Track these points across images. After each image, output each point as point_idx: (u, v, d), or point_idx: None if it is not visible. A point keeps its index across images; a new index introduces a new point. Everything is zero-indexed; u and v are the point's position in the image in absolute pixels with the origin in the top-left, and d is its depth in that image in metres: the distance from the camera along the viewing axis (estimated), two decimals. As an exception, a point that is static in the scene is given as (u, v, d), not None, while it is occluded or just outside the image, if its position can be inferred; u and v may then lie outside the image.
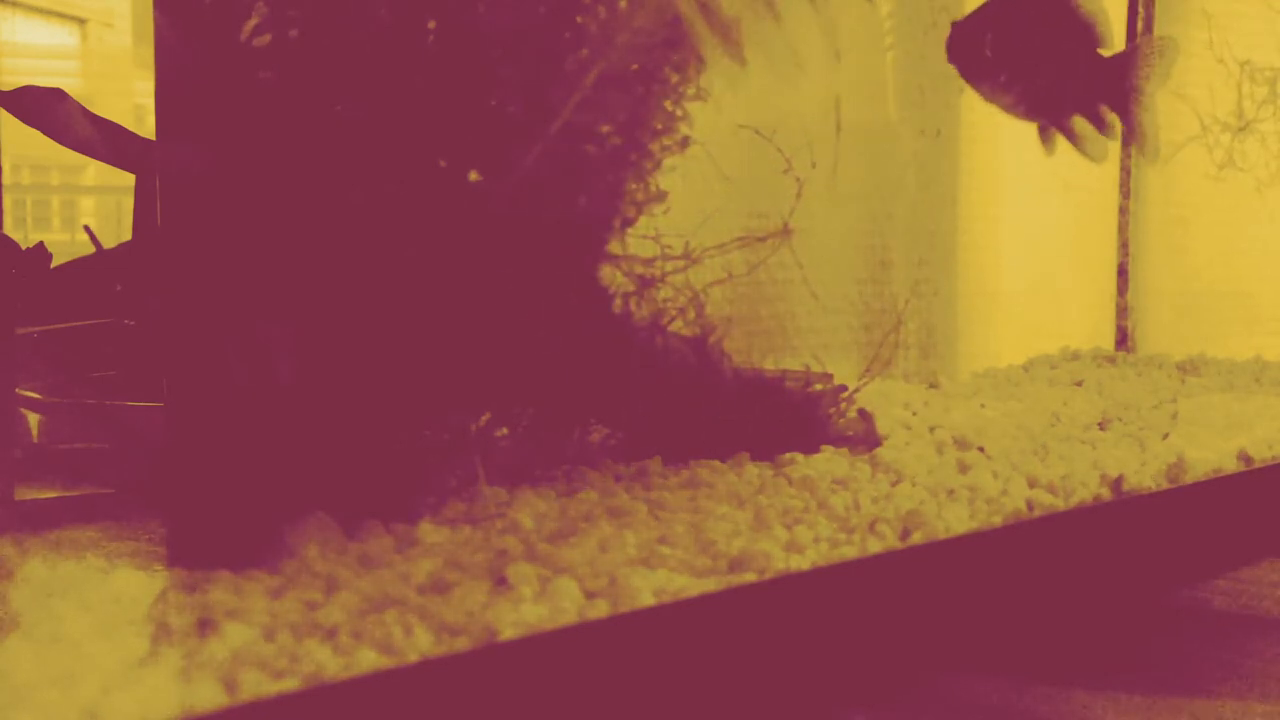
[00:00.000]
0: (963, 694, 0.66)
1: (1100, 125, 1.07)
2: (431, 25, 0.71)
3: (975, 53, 0.99)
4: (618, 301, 0.86)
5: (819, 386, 0.99)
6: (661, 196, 0.85)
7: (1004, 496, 0.80)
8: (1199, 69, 1.73)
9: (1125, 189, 1.76)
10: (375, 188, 0.69)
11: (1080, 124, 1.07)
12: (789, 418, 0.94)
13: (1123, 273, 1.78)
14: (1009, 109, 1.04)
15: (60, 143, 1.03)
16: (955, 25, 1.00)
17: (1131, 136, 1.08)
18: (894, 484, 0.83)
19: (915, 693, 0.66)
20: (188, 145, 0.63)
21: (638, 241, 0.87)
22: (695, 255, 0.89)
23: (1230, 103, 1.73)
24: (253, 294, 0.65)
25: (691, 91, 0.84)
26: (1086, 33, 1.04)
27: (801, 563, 0.65)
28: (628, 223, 0.85)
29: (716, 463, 0.86)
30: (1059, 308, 1.72)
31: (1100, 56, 1.05)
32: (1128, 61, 1.06)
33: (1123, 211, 1.77)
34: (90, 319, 0.99)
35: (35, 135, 1.02)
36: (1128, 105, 1.06)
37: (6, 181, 0.81)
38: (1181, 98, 1.71)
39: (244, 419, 0.64)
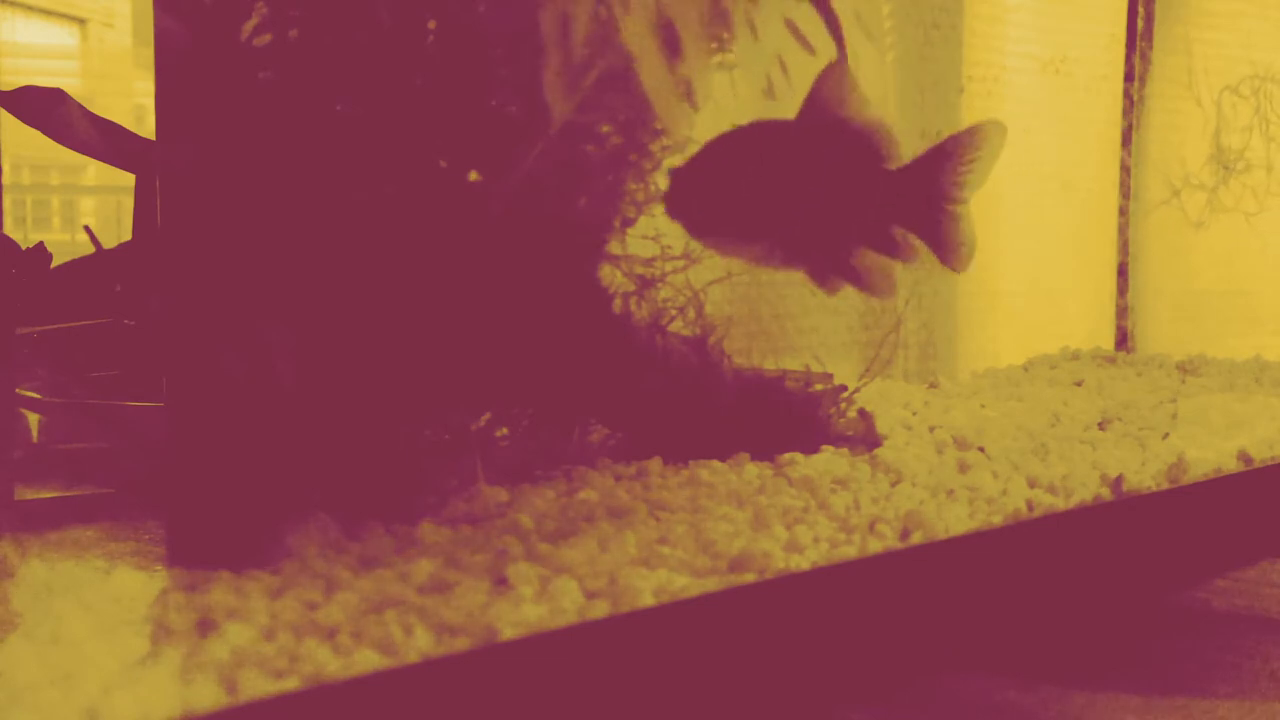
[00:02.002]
0: (963, 694, 0.66)
1: (898, 251, 0.88)
2: (432, 26, 0.71)
3: (702, 205, 0.81)
4: (618, 301, 0.86)
5: (819, 387, 0.99)
6: (661, 196, 0.85)
7: (1004, 496, 0.80)
8: (1184, 110, 1.73)
9: (1125, 189, 1.76)
10: (376, 188, 0.69)
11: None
12: (789, 418, 0.94)
13: (1123, 273, 1.78)
14: (760, 261, 0.86)
15: (60, 143, 1.03)
16: (673, 173, 0.81)
17: (942, 253, 0.88)
18: (894, 484, 0.83)
19: (915, 693, 0.66)
20: (188, 145, 0.63)
21: (638, 241, 0.87)
22: (695, 255, 0.89)
23: (1208, 150, 1.73)
24: (253, 294, 0.65)
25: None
26: (865, 149, 0.85)
27: (801, 563, 0.65)
28: (628, 223, 0.85)
29: (716, 463, 0.86)
30: (1059, 308, 1.72)
31: (889, 172, 0.86)
32: (933, 167, 0.88)
33: (1123, 211, 1.77)
34: (90, 319, 0.99)
35: (35, 135, 1.02)
36: (936, 218, 0.87)
37: (6, 181, 0.81)
38: (1153, 165, 1.71)
39: (244, 419, 0.64)
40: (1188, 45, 1.70)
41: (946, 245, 0.88)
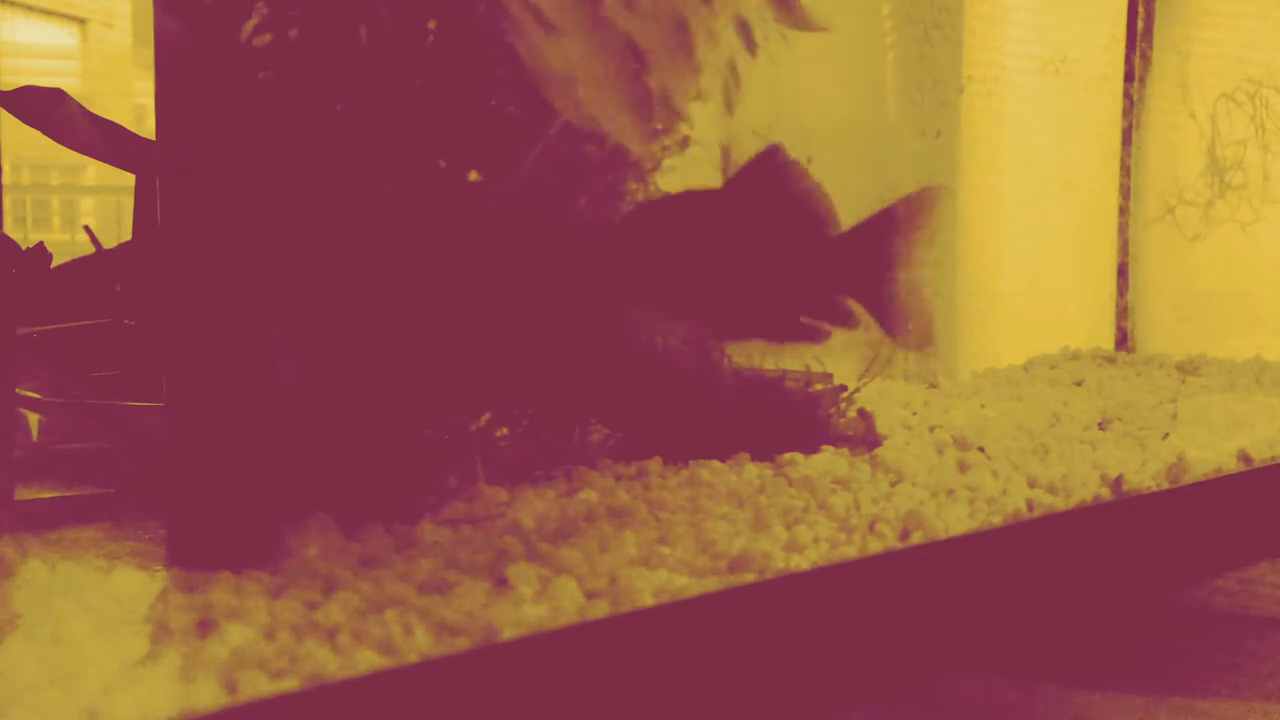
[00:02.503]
0: (962, 694, 0.66)
1: (840, 319, 0.81)
2: (432, 26, 0.71)
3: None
4: (618, 301, 0.86)
5: (819, 387, 0.99)
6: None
7: (1004, 496, 0.80)
8: (1183, 110, 1.73)
9: (1125, 189, 1.76)
10: (376, 188, 0.69)
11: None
12: (789, 418, 0.94)
13: (1123, 273, 1.78)
14: (688, 336, 0.82)
15: (60, 143, 1.03)
16: None
17: (887, 324, 0.82)
18: (894, 484, 0.83)
19: (915, 693, 0.66)
20: (188, 145, 0.63)
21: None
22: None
23: (1204, 161, 1.72)
24: (253, 294, 0.65)
25: (692, 91, 0.84)
26: (805, 217, 0.80)
27: (801, 563, 0.65)
28: (628, 223, 0.85)
29: (716, 463, 0.86)
30: (1059, 308, 1.72)
31: (831, 239, 0.80)
32: (877, 233, 0.82)
33: (1123, 211, 1.77)
34: (90, 319, 0.99)
35: (35, 135, 1.02)
36: (881, 289, 0.81)
37: (6, 181, 0.81)
38: (1152, 167, 1.71)
39: (244, 419, 0.64)
40: (1183, 59, 1.70)
41: (891, 316, 0.82)
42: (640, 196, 0.84)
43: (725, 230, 0.80)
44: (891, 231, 0.83)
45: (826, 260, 0.81)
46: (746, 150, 1.01)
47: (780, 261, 0.80)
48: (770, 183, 0.80)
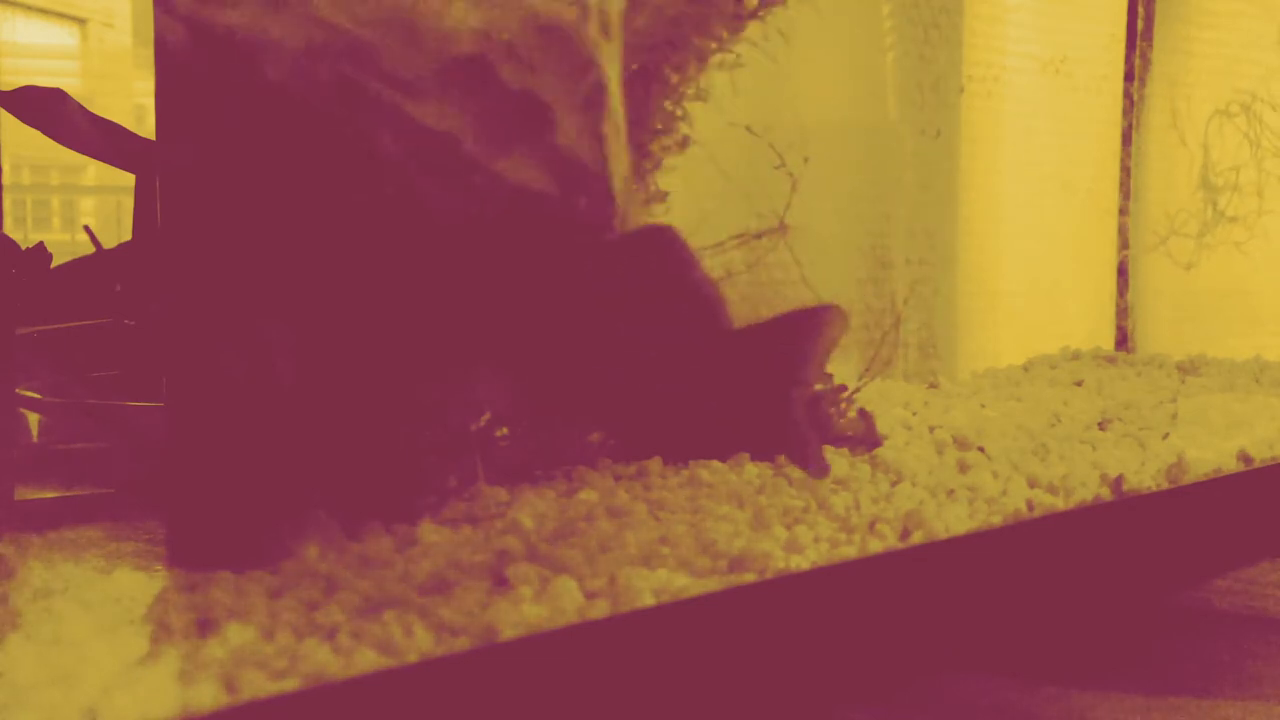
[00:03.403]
0: (963, 694, 0.66)
1: (728, 436, 0.76)
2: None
3: None
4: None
5: (819, 386, 0.99)
6: (661, 196, 0.85)
7: (1004, 496, 0.80)
8: (1181, 111, 1.73)
9: (1125, 189, 1.76)
10: (375, 187, 0.69)
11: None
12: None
13: (1123, 273, 1.78)
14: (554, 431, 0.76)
15: (60, 143, 1.03)
16: None
17: (801, 459, 0.75)
18: (894, 484, 0.83)
19: (915, 693, 0.66)
20: (188, 145, 0.63)
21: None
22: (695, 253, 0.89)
23: (1198, 181, 1.73)
24: (253, 293, 0.65)
25: (691, 91, 0.84)
26: (691, 309, 0.73)
27: (801, 563, 0.65)
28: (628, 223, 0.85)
29: (716, 463, 0.85)
30: (1059, 308, 1.72)
31: (720, 337, 0.74)
32: (783, 340, 0.75)
33: (1123, 211, 1.77)
34: (90, 319, 0.99)
35: (35, 135, 1.02)
36: (786, 409, 0.74)
37: (6, 181, 0.81)
38: (1152, 167, 1.71)
39: (244, 419, 0.64)
40: (1176, 80, 1.70)
41: (802, 447, 0.75)
42: (641, 197, 0.84)
43: (575, 301, 0.73)
44: (800, 344, 0.77)
45: (712, 362, 0.76)
46: (744, 151, 1.01)
47: (655, 358, 0.75)
48: (647, 262, 0.74)
